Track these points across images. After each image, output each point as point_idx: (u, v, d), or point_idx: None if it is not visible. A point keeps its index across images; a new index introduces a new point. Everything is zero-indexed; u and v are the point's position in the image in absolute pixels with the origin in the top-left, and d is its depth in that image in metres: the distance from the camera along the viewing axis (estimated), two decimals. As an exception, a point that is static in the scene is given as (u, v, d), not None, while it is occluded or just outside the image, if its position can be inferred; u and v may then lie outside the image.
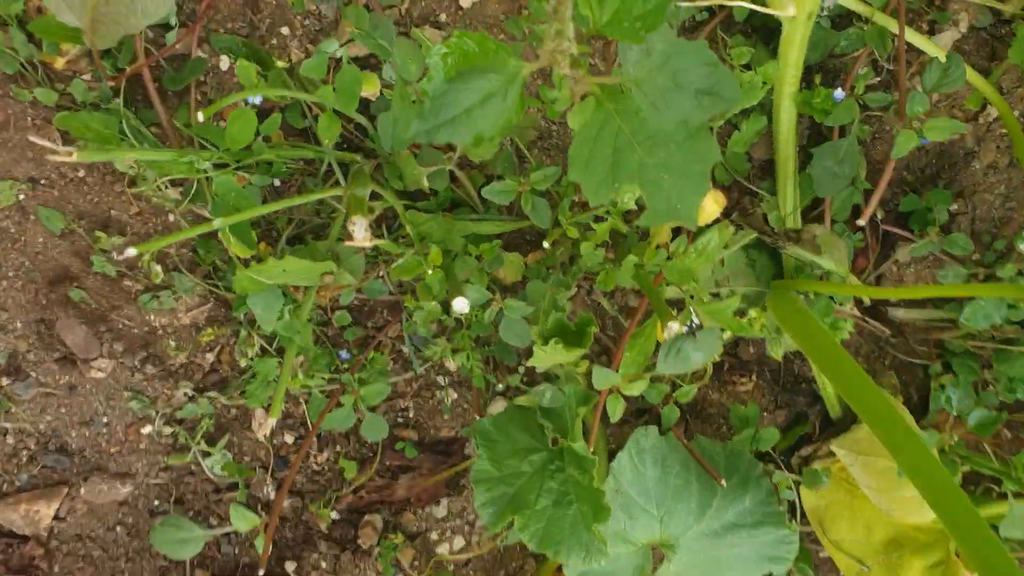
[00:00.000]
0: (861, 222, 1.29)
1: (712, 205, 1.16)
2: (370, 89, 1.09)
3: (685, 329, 1.08)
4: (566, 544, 1.26)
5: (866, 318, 1.44)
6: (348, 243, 1.03)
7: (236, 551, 1.49)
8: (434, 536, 1.52)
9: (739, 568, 1.40)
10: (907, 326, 1.47)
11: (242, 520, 1.21)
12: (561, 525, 1.26)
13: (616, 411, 1.22)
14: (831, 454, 1.48)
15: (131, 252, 0.96)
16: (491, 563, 1.56)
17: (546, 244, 1.18)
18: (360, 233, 1.03)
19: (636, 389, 1.20)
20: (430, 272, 1.11)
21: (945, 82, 1.18)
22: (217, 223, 1.00)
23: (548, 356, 1.17)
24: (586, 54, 1.14)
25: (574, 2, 0.73)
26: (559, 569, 1.59)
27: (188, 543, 1.26)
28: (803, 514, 1.52)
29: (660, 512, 1.34)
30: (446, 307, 1.18)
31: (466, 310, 1.09)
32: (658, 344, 1.25)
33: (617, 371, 1.20)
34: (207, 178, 1.12)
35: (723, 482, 1.34)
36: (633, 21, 0.77)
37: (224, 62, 1.27)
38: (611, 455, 1.37)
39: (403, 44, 1.01)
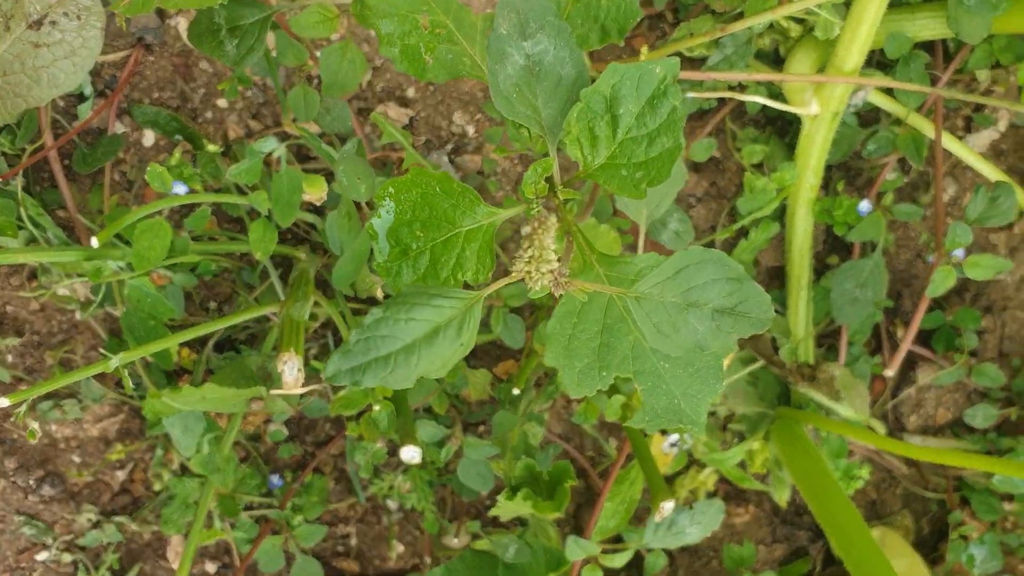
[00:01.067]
0: (889, 372, 1.12)
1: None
2: (315, 193, 0.90)
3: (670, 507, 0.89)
4: None
5: (881, 452, 1.27)
6: (276, 392, 0.85)
7: None
8: None
9: None
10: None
11: None
12: None
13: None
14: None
15: (2, 403, 0.76)
16: None
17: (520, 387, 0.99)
18: (291, 375, 0.84)
19: (619, 561, 1.02)
20: (377, 407, 0.92)
21: (993, 214, 1.00)
22: (114, 361, 0.81)
23: (514, 508, 0.99)
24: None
25: (560, 209, 0.56)
26: None
27: None
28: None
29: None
30: (394, 448, 1.00)
31: (417, 460, 0.90)
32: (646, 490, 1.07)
33: (596, 526, 1.02)
34: (119, 281, 0.93)
35: None
36: (633, 169, 0.59)
37: (148, 137, 1.08)
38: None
39: (351, 161, 0.82)
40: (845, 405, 1.05)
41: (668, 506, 0.82)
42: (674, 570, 1.30)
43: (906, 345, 1.11)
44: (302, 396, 1.05)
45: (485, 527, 1.17)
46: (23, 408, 0.77)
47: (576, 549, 0.97)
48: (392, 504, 1.23)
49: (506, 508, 1.00)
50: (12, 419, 1.04)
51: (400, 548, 1.27)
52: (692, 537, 0.99)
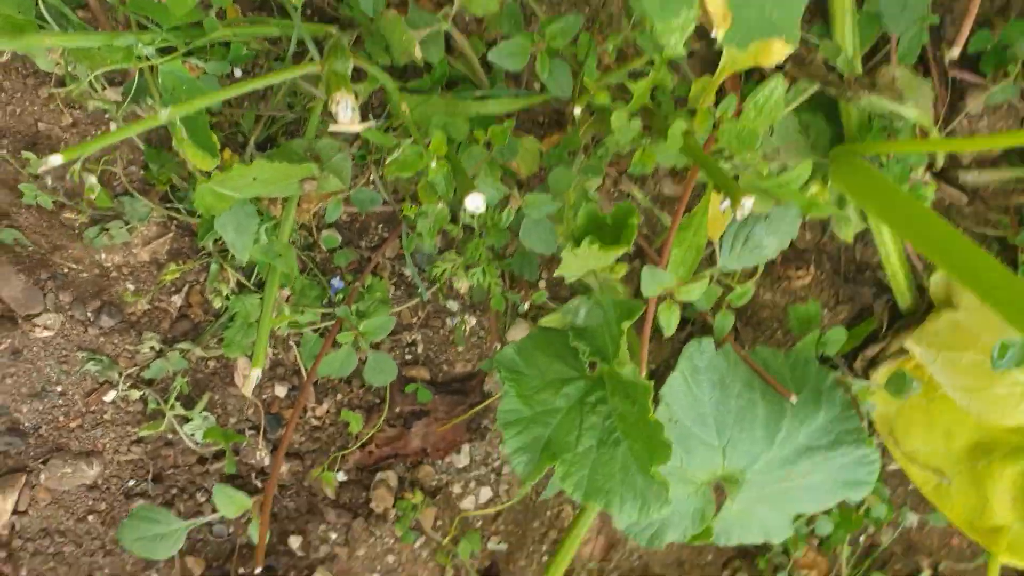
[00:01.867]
0: (956, 52, 1.06)
1: (779, 42, 0.93)
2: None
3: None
4: (617, 493, 1.05)
5: (942, 182, 1.23)
6: (333, 128, 0.82)
7: (231, 530, 1.29)
8: (457, 489, 1.33)
9: (811, 499, 1.21)
10: (982, 191, 1.26)
11: (229, 503, 1.00)
12: (609, 469, 1.06)
13: (671, 322, 1.01)
14: (902, 352, 1.28)
15: (55, 161, 0.74)
16: (524, 514, 1.37)
17: (577, 110, 0.95)
18: (346, 114, 0.81)
19: (695, 292, 0.99)
20: (433, 165, 0.89)
21: None
22: (164, 114, 0.78)
23: (581, 260, 0.96)
24: None
25: None
26: (601, 512, 1.40)
27: (166, 539, 1.04)
28: (870, 425, 1.33)
29: (722, 442, 1.14)
30: (453, 212, 0.97)
31: (482, 208, 0.87)
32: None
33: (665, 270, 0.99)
34: (151, 68, 0.89)
35: (793, 398, 1.15)
36: None
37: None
38: (653, 378, 1.16)
39: None
40: (910, 106, 1.01)
41: (748, 203, 0.79)
42: (741, 343, 1.29)
43: (968, 23, 1.05)
44: (353, 179, 1.02)
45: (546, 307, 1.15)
46: (78, 165, 0.74)
47: (651, 282, 0.95)
48: (453, 305, 1.22)
49: (571, 263, 0.97)
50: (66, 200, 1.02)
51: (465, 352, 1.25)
52: (769, 250, 0.97)
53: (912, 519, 1.50)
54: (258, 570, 0.99)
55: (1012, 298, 0.89)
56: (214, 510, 1.04)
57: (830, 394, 1.18)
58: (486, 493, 1.34)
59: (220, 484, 1.00)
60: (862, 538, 1.49)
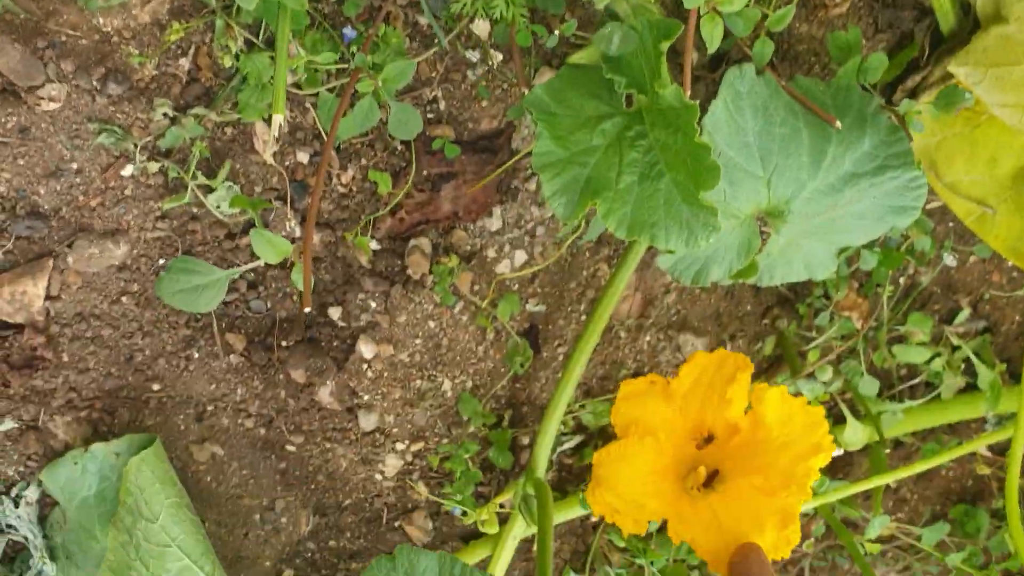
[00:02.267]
0: None
1: None
2: None
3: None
4: (662, 225, 1.02)
5: None
6: None
7: (269, 306, 1.28)
8: (491, 253, 1.30)
9: (858, 229, 1.18)
10: None
11: (268, 249, 0.97)
12: (653, 203, 1.02)
13: (715, 36, 0.95)
14: (945, 78, 1.22)
15: None
16: (560, 275, 1.35)
17: None
18: None
19: (738, 2, 0.92)
20: None
21: None
22: None
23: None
24: None
25: None
26: (639, 267, 1.38)
27: (206, 289, 1.02)
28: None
29: (767, 172, 1.10)
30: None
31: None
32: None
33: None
34: None
35: (838, 124, 1.10)
36: None
37: None
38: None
39: None
40: None
41: None
42: (780, 73, 1.23)
43: None
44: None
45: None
46: None
47: (695, -11, 0.88)
48: (474, 56, 1.15)
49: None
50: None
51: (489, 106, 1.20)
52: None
53: (951, 259, 1.48)
54: (307, 309, 0.98)
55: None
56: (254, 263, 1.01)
57: (875, 119, 1.13)
58: (521, 256, 1.32)
59: (256, 229, 0.96)
60: (901, 280, 1.47)
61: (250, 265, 1.07)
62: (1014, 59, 1.14)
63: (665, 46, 0.95)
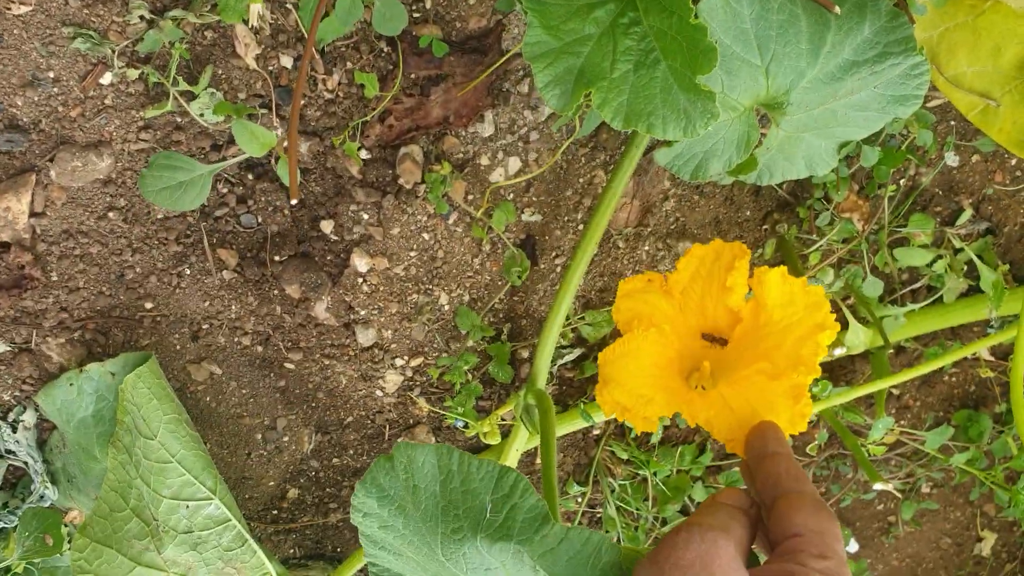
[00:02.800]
0: None
1: None
2: None
3: None
4: (659, 114, 0.99)
5: None
6: None
7: (260, 220, 1.25)
8: (485, 161, 1.27)
9: (859, 121, 1.15)
10: None
11: (251, 140, 0.94)
12: (649, 92, 0.99)
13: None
14: (950, -36, 1.19)
15: None
16: (555, 183, 1.33)
17: None
18: None
19: None
20: None
21: None
22: None
23: None
24: None
25: None
26: (637, 172, 1.36)
27: (190, 186, 1.00)
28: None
29: (764, 60, 1.07)
30: None
31: None
32: None
33: None
34: None
35: (836, 9, 1.06)
36: None
37: None
38: (689, 5, 1.07)
39: None
40: None
41: None
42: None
43: None
44: None
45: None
46: None
47: None
48: (459, -51, 1.11)
49: None
50: None
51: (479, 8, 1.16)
52: None
53: (953, 158, 1.45)
54: (293, 201, 0.95)
55: None
56: (240, 159, 0.98)
57: (875, 4, 1.09)
58: (515, 164, 1.29)
59: (239, 120, 0.94)
60: (902, 181, 1.45)
61: (234, 160, 1.05)
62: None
63: (657, -76, 0.91)
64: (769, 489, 0.77)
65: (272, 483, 1.48)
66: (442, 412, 1.45)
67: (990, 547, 1.99)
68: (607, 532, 1.65)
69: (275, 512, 1.51)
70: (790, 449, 0.82)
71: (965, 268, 1.49)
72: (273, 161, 1.15)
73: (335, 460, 1.48)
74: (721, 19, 1.03)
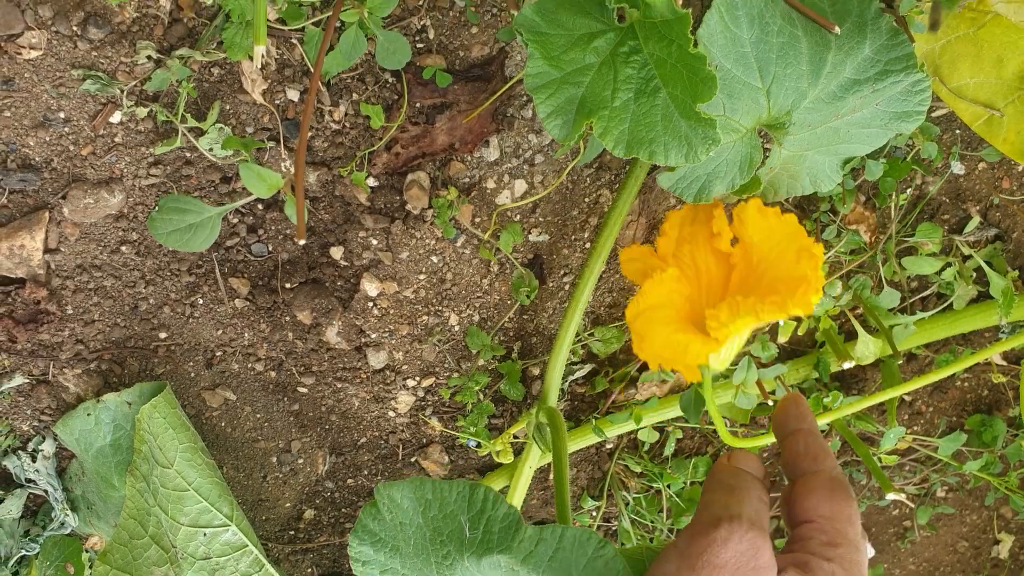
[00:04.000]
0: None
1: None
2: None
3: None
4: (660, 141, 1.00)
5: None
6: None
7: (270, 249, 1.27)
8: (491, 184, 1.28)
9: (862, 137, 1.15)
10: None
11: (259, 182, 0.96)
12: (650, 119, 1.00)
13: (703, -59, 0.92)
14: (952, -23, 1.19)
15: None
16: (561, 204, 1.34)
17: None
18: None
19: (726, -98, 0.89)
20: None
21: None
22: None
23: None
24: None
25: None
26: (642, 191, 1.36)
27: (200, 228, 1.01)
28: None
29: (765, 82, 1.08)
30: None
31: None
32: None
33: None
34: None
35: (836, 29, 1.07)
36: None
37: None
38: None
39: None
40: None
41: None
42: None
43: None
44: None
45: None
46: None
47: None
48: (460, -21, 1.13)
49: None
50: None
51: (480, 33, 1.17)
52: None
53: (959, 167, 1.45)
54: (301, 242, 0.97)
55: None
56: (246, 199, 1.00)
57: (875, 23, 1.09)
58: (521, 186, 1.30)
59: (246, 163, 0.95)
60: (909, 191, 1.45)
61: (242, 201, 1.06)
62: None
63: (654, -44, 0.92)
64: (790, 470, 0.77)
65: (288, 504, 1.50)
66: (454, 432, 1.46)
67: (1008, 549, 1.99)
68: (623, 545, 1.66)
69: (292, 533, 1.53)
70: (813, 422, 0.82)
71: (974, 275, 1.50)
72: (281, 199, 1.16)
73: (350, 481, 1.50)
74: (721, 44, 1.04)
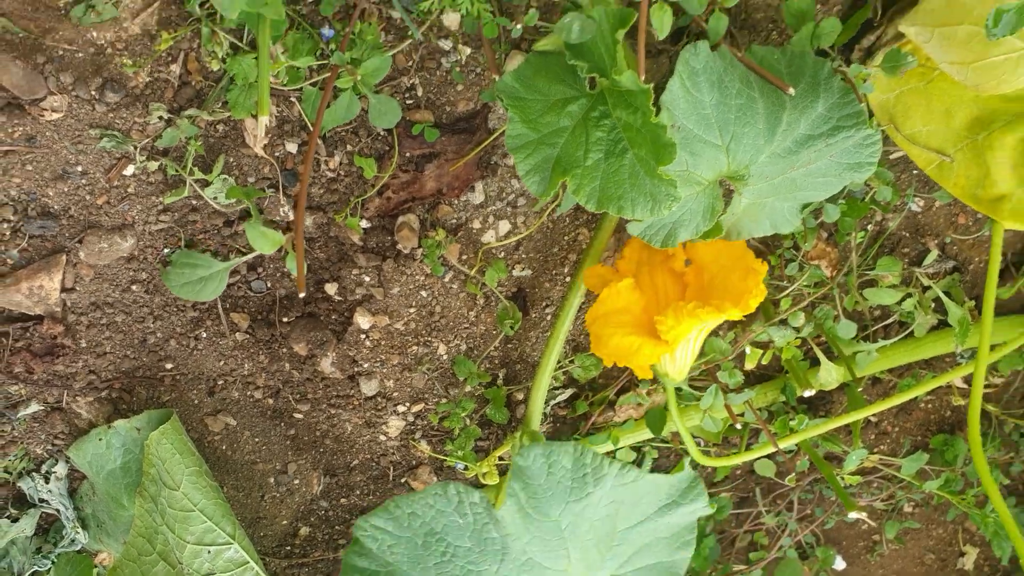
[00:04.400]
0: None
1: None
2: None
3: None
4: (628, 197, 1.10)
5: None
6: None
7: (269, 285, 1.36)
8: (476, 225, 1.38)
9: (817, 186, 1.25)
10: None
11: (262, 240, 1.05)
12: (618, 178, 1.10)
13: (664, 23, 1.02)
14: (898, 37, 1.29)
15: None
16: (543, 242, 1.43)
17: None
18: None
19: (685, -9, 0.99)
20: None
21: None
22: None
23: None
24: None
25: None
26: (617, 230, 1.46)
27: (209, 280, 1.11)
28: (870, 115, 1.36)
29: (725, 140, 1.17)
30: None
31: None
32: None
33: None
34: None
35: (791, 91, 1.16)
36: None
37: None
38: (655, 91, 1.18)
39: None
40: None
41: None
42: (737, 46, 1.29)
43: None
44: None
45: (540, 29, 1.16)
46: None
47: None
48: (447, 44, 1.22)
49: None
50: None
51: (465, 91, 1.27)
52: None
53: (917, 204, 1.55)
54: (302, 294, 1.07)
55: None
56: (251, 254, 1.10)
57: (828, 83, 1.19)
58: (504, 226, 1.40)
59: (250, 222, 1.05)
60: (870, 227, 1.55)
61: (247, 256, 1.16)
62: (958, 19, 1.20)
63: (621, 34, 1.02)
64: None
65: (285, 522, 1.59)
66: (443, 455, 1.56)
67: (972, 561, 2.09)
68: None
69: (288, 548, 1.62)
70: None
71: (934, 304, 1.59)
72: (283, 253, 1.26)
73: (343, 500, 1.59)
74: (683, 107, 1.14)
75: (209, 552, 1.39)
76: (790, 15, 1.23)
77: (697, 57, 1.13)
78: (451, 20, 1.18)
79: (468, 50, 1.22)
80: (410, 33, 1.17)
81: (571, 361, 1.55)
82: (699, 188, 1.19)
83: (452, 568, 1.20)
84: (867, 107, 1.30)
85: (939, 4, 1.22)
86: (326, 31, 1.12)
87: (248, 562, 1.41)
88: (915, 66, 1.18)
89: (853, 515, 1.49)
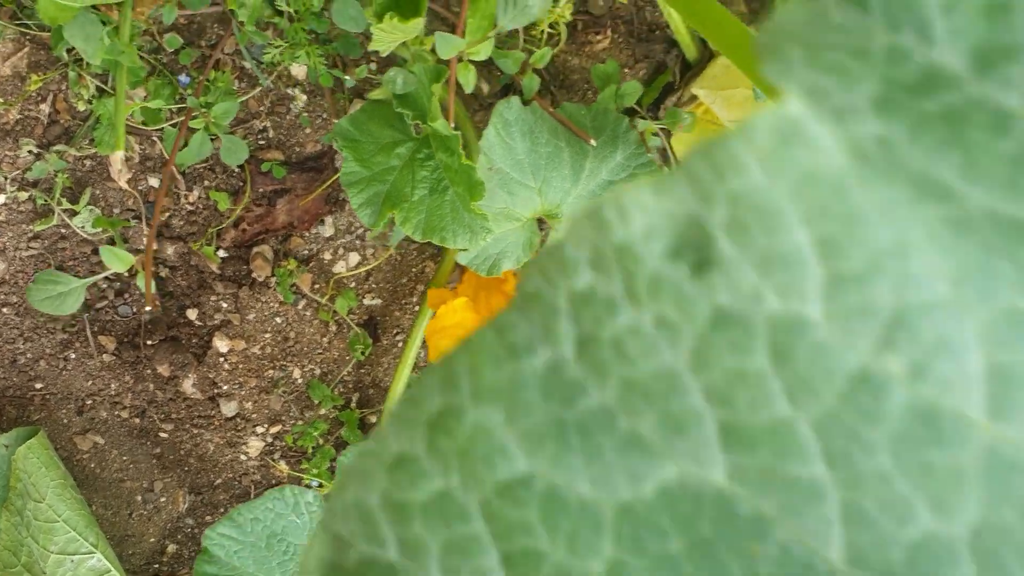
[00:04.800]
0: None
1: None
2: None
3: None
4: (449, 229, 1.27)
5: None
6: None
7: (135, 310, 1.48)
8: (327, 256, 1.53)
9: (624, 224, 1.44)
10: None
11: (115, 260, 1.19)
12: (441, 212, 1.27)
13: (469, 80, 1.20)
14: (694, 98, 1.50)
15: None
16: (392, 272, 1.59)
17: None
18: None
19: (482, 53, 1.18)
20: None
21: None
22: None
23: (388, 34, 1.13)
24: None
25: None
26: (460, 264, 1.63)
27: (69, 296, 1.24)
28: (668, 160, 1.56)
29: (537, 183, 1.36)
30: (273, 2, 1.13)
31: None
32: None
33: (463, 37, 1.17)
34: None
35: (592, 142, 1.36)
36: None
37: None
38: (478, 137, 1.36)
39: None
40: None
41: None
42: (556, 103, 1.49)
43: None
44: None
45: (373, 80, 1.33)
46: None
47: (445, 47, 1.13)
48: (295, 91, 1.38)
49: (381, 37, 1.14)
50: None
51: (313, 132, 1.43)
52: (535, 9, 1.15)
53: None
54: (148, 308, 1.20)
55: (743, 52, 1.10)
56: (107, 275, 1.24)
57: (625, 137, 1.39)
58: (354, 257, 1.55)
59: (105, 245, 1.18)
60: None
61: (105, 273, 1.29)
62: (734, 83, 1.41)
63: (437, 87, 1.20)
64: None
65: (152, 539, 1.69)
66: (300, 474, 1.68)
67: None
68: None
69: (156, 566, 1.71)
70: None
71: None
72: (134, 275, 1.39)
73: (208, 517, 1.70)
74: (499, 153, 1.32)
75: (72, 561, 1.48)
76: (597, 77, 1.43)
77: (510, 110, 1.32)
78: (298, 71, 1.35)
79: (315, 98, 1.38)
80: (260, 81, 1.33)
81: (421, 386, 1.69)
82: (518, 224, 1.37)
83: (294, 565, 1.34)
84: (672, 154, 1.50)
85: (720, 70, 1.43)
86: (183, 78, 1.27)
87: (111, 570, 1.50)
88: (690, 122, 1.39)
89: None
